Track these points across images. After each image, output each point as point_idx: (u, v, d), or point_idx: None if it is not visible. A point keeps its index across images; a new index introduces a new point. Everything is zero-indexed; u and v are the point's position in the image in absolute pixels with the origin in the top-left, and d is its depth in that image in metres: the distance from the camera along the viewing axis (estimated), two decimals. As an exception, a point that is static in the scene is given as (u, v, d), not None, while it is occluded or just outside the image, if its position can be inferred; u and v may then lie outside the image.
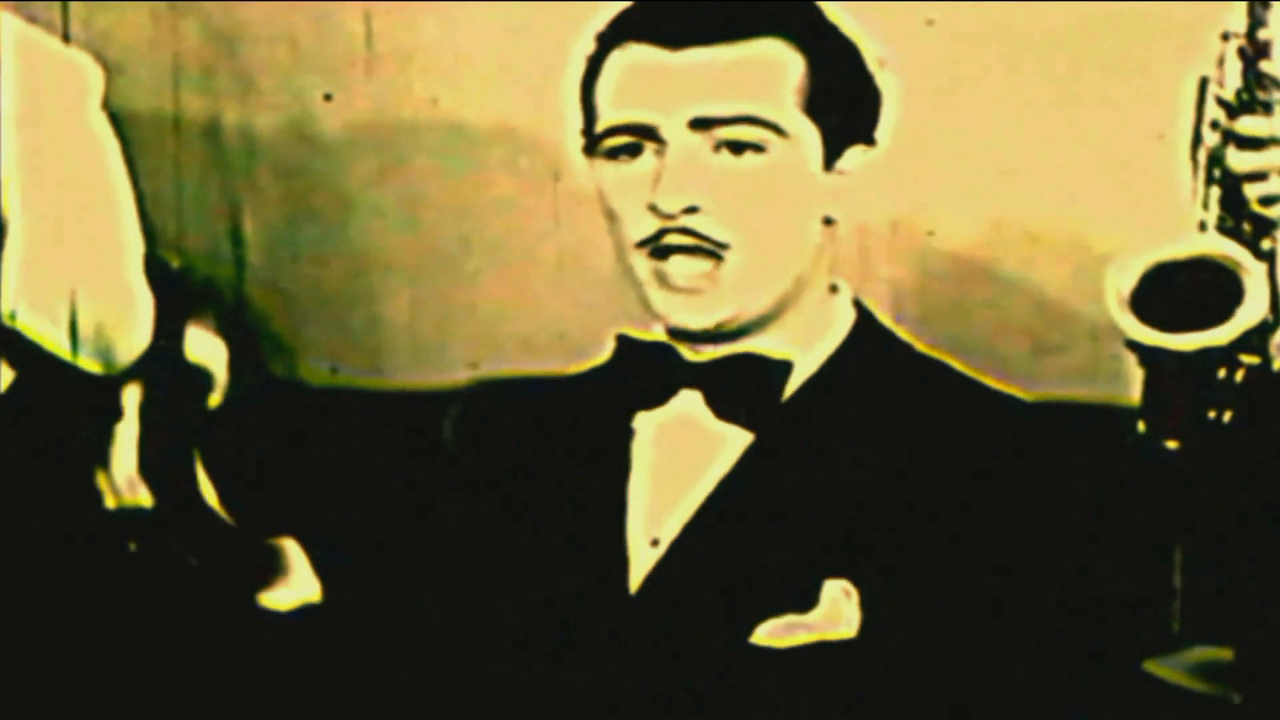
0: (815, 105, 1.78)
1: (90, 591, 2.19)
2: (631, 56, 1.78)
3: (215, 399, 2.31)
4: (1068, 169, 2.46)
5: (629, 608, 1.77)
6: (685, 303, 1.78)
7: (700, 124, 1.75)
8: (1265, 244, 2.12)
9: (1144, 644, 2.12)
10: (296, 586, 2.28)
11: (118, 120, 2.28)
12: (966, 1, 2.47)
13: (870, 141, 1.82)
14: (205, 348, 2.31)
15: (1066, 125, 2.46)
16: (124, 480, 2.22)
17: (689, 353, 1.81)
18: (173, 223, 2.57)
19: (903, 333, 1.85)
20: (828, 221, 1.81)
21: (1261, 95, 2.12)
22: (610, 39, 1.80)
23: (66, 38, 2.37)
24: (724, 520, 1.77)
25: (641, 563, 1.78)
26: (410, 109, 2.63)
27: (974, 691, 1.73)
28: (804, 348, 1.81)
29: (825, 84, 1.78)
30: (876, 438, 1.78)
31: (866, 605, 1.72)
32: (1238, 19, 2.14)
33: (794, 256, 1.79)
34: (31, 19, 2.26)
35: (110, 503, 2.22)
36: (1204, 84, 2.14)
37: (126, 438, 2.22)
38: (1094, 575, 1.80)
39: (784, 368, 1.79)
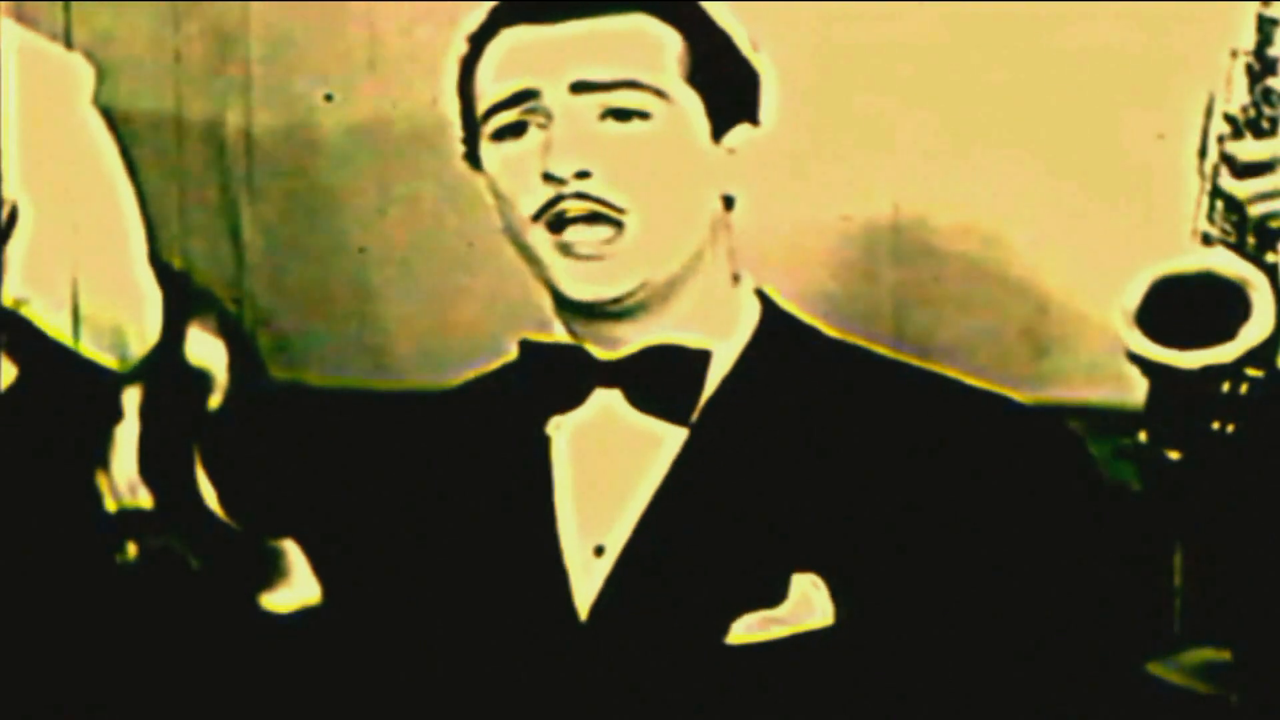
0: (697, 77, 1.79)
1: (90, 593, 2.19)
2: (508, 40, 1.80)
3: (215, 400, 2.30)
4: (1068, 171, 2.47)
5: (577, 622, 1.75)
6: (589, 271, 1.77)
7: (582, 87, 1.76)
8: (1269, 257, 2.12)
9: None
10: (296, 588, 2.28)
11: (118, 120, 2.28)
12: (969, 1, 2.47)
13: (755, 121, 1.83)
14: (206, 349, 2.31)
15: (1068, 125, 2.46)
16: (124, 482, 2.22)
17: (599, 352, 1.80)
18: (174, 223, 2.57)
19: (810, 319, 1.85)
20: (728, 205, 1.82)
21: (1268, 111, 2.13)
22: (483, 35, 1.81)
23: (68, 38, 2.37)
24: (672, 520, 1.77)
25: (588, 573, 1.77)
26: (410, 109, 2.63)
27: (952, 690, 1.72)
28: (718, 337, 1.81)
29: (704, 58, 1.79)
30: (811, 423, 1.77)
31: (835, 598, 1.72)
32: (1246, 35, 2.15)
33: (693, 226, 1.80)
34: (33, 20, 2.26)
35: (110, 505, 2.22)
36: (1211, 99, 2.14)
37: (127, 439, 2.22)
38: (1057, 567, 1.78)
39: (703, 357, 1.79)
